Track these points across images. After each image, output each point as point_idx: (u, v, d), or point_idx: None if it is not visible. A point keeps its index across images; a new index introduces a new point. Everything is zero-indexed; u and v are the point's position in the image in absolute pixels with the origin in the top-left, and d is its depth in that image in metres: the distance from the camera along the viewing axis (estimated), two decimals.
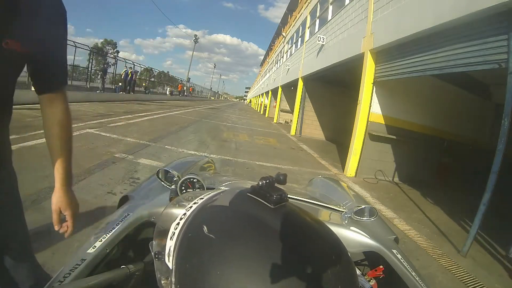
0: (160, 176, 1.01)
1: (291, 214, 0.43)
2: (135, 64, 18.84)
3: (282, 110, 16.21)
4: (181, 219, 0.43)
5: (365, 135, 5.12)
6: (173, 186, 0.88)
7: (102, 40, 41.24)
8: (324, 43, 7.85)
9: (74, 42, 13.28)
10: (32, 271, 0.91)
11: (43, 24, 0.66)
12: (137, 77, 18.72)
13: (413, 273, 0.76)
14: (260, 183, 0.44)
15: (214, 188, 0.94)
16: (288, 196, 0.98)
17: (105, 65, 16.13)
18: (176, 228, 0.42)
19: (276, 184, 0.44)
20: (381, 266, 0.80)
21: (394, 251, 0.82)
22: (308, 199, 1.05)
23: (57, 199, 0.79)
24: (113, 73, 17.29)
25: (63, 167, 0.79)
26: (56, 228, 0.78)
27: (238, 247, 0.35)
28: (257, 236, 0.37)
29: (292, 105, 13.15)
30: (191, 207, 0.45)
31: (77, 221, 0.82)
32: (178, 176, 0.95)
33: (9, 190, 0.84)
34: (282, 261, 0.33)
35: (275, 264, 0.33)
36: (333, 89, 10.50)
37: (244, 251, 0.35)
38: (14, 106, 0.84)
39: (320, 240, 0.41)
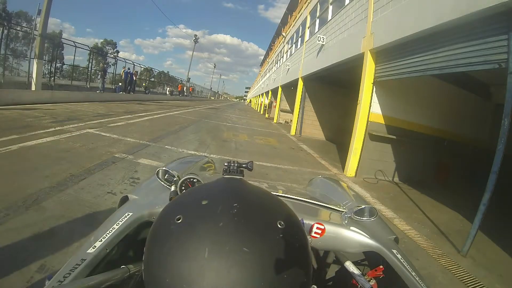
0: (160, 176, 1.01)
1: (240, 186, 0.48)
2: (135, 64, 18.86)
3: (282, 110, 16.20)
4: None
5: (365, 135, 5.12)
6: (173, 186, 0.88)
7: (102, 40, 41.24)
8: (324, 43, 7.85)
9: (74, 42, 13.29)
10: None
11: None
12: (137, 77, 18.71)
13: (413, 273, 0.76)
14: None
15: None
16: (288, 196, 0.97)
17: (105, 65, 16.12)
18: None
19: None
20: (381, 266, 0.80)
21: (394, 251, 0.82)
22: (308, 199, 1.05)
23: None
24: (113, 73, 17.30)
25: None
26: None
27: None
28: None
29: (292, 105, 13.15)
30: None
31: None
32: (178, 176, 0.95)
33: None
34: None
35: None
36: (333, 89, 10.50)
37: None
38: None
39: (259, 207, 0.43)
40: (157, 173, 1.01)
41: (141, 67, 22.21)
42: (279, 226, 0.39)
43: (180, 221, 0.38)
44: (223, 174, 0.58)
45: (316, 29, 9.46)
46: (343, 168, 5.47)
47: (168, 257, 0.35)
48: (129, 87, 16.08)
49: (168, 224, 0.39)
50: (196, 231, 0.36)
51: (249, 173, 0.64)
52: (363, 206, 0.96)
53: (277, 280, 0.35)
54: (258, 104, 33.17)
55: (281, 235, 0.38)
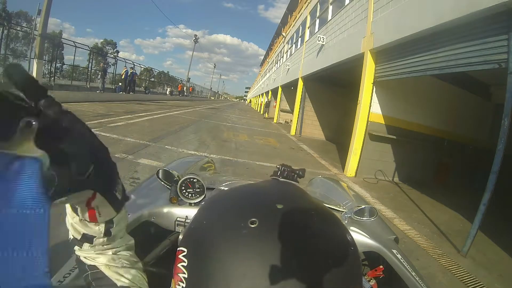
0: (160, 176, 1.01)
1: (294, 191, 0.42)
2: (135, 64, 18.86)
3: (282, 110, 16.19)
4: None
5: (365, 135, 5.12)
6: (173, 186, 0.88)
7: (102, 40, 41.28)
8: (324, 43, 7.85)
9: (74, 42, 13.31)
10: None
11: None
12: (137, 77, 18.72)
13: (413, 273, 0.76)
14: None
15: (214, 188, 0.94)
16: None
17: (105, 65, 16.13)
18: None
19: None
20: (381, 266, 0.80)
21: (394, 251, 0.82)
22: None
23: None
24: (113, 73, 17.31)
25: None
26: None
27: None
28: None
29: (292, 105, 13.15)
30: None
31: None
32: (178, 176, 0.95)
33: None
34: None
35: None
36: (333, 89, 10.50)
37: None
38: None
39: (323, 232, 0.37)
40: (157, 173, 1.01)
41: (141, 67, 22.24)
42: (350, 250, 0.35)
43: (255, 225, 0.33)
44: (277, 176, 0.52)
45: (316, 29, 9.46)
46: (343, 168, 5.47)
47: (239, 267, 0.30)
48: (128, 87, 16.08)
49: (239, 226, 0.33)
50: (275, 240, 0.31)
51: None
52: (363, 206, 0.96)
53: None
54: (258, 104, 33.19)
55: (351, 260, 0.34)
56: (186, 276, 0.32)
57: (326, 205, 1.03)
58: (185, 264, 0.33)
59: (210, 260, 0.32)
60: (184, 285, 0.32)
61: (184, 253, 0.34)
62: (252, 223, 0.33)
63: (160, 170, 1.02)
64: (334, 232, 0.36)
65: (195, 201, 0.84)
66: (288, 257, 0.30)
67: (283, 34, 17.70)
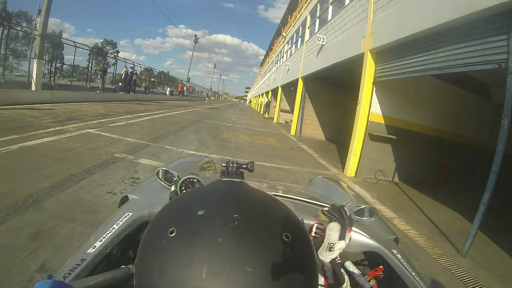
0: (160, 176, 1.01)
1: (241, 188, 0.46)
2: (135, 64, 18.85)
3: (282, 110, 16.19)
4: None
5: (365, 135, 5.12)
6: (173, 186, 0.89)
7: (102, 40, 41.28)
8: (324, 43, 7.85)
9: (74, 42, 13.30)
10: None
11: None
12: (137, 77, 18.71)
13: (413, 273, 0.76)
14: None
15: None
16: (288, 196, 0.97)
17: (105, 65, 16.13)
18: None
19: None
20: (381, 266, 0.80)
21: (394, 251, 0.82)
22: (308, 199, 1.05)
23: None
24: (113, 73, 17.30)
25: None
26: None
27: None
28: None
29: (292, 105, 13.15)
30: None
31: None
32: (178, 176, 0.95)
33: None
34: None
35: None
36: (333, 89, 10.50)
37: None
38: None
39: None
40: (157, 173, 1.02)
41: (141, 67, 22.23)
42: (285, 239, 0.35)
43: (173, 234, 0.34)
44: (221, 176, 0.53)
45: (316, 29, 9.46)
46: (343, 168, 5.47)
47: (160, 275, 0.32)
48: (128, 87, 16.07)
49: (160, 237, 0.35)
50: (191, 248, 0.32)
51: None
52: (363, 206, 0.96)
53: None
54: (258, 104, 33.17)
55: (287, 250, 0.34)
56: (134, 280, 0.36)
57: (326, 205, 1.04)
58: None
59: (142, 268, 0.35)
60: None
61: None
62: (171, 232, 0.34)
63: (160, 170, 1.02)
64: (260, 233, 0.35)
65: None
66: (205, 268, 0.31)
67: (283, 34, 17.69)
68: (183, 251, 0.33)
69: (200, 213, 0.36)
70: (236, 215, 0.35)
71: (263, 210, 0.40)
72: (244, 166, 0.58)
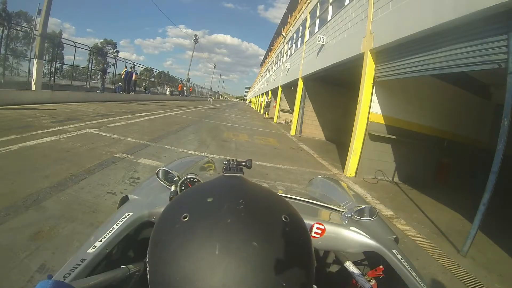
0: (160, 176, 1.01)
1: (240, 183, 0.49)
2: (135, 64, 18.86)
3: (282, 110, 16.19)
4: None
5: (365, 135, 5.12)
6: (173, 186, 0.88)
7: (102, 40, 41.29)
8: (324, 43, 7.85)
9: (74, 42, 13.30)
10: None
11: None
12: (137, 77, 18.72)
13: (413, 273, 0.76)
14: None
15: None
16: (288, 196, 0.97)
17: (105, 65, 16.13)
18: None
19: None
20: (381, 266, 0.80)
21: (394, 251, 0.82)
22: (308, 199, 1.05)
23: None
24: (113, 73, 17.31)
25: None
26: None
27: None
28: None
29: (292, 105, 13.14)
30: None
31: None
32: (178, 176, 0.95)
33: None
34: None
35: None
36: (333, 89, 10.50)
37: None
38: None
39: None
40: (157, 173, 1.01)
41: (141, 67, 22.24)
42: (284, 220, 0.40)
43: (186, 219, 0.38)
44: (223, 172, 0.58)
45: (316, 29, 9.46)
46: (343, 168, 5.47)
47: (177, 257, 0.36)
48: (127, 87, 16.07)
49: (174, 222, 0.39)
50: (204, 229, 0.37)
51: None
52: (363, 206, 0.96)
53: (284, 274, 0.35)
54: (258, 104, 33.17)
55: (287, 229, 0.39)
56: (148, 269, 0.39)
57: (326, 205, 1.04)
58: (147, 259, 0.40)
59: (156, 251, 0.39)
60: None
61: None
62: (184, 217, 0.39)
63: (160, 170, 1.02)
64: (263, 214, 0.40)
65: None
66: (218, 245, 0.35)
67: (283, 34, 17.69)
68: (198, 232, 0.37)
69: (209, 200, 0.41)
70: (241, 201, 0.40)
71: (264, 197, 0.46)
72: (243, 163, 0.65)
